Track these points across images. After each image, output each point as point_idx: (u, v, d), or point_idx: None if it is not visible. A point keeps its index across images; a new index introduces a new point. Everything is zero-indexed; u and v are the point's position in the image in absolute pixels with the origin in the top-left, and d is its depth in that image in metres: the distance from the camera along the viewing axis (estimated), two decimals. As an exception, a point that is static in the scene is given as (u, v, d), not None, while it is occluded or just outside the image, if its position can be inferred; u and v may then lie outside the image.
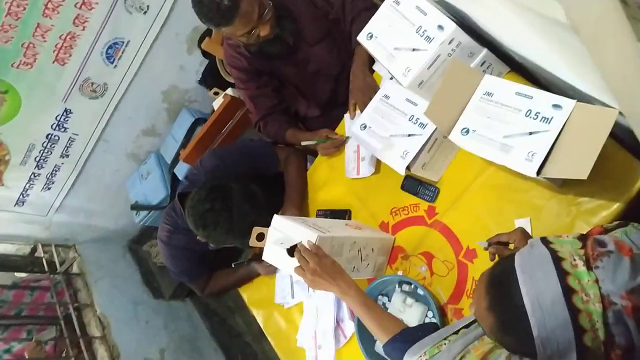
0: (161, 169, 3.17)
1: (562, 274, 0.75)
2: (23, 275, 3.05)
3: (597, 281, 0.74)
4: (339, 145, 1.80)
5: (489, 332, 0.85)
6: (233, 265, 1.85)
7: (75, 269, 3.19)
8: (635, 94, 0.60)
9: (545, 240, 0.82)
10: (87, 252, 3.32)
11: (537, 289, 0.76)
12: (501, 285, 0.81)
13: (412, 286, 1.50)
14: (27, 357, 2.57)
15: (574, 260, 0.76)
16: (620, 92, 0.59)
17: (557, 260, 0.77)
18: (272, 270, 1.85)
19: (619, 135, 1.16)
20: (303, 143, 1.85)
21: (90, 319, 2.88)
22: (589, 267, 0.75)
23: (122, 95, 2.89)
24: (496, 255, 1.23)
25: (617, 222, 0.96)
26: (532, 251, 0.81)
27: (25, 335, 2.71)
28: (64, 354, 2.67)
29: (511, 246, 1.20)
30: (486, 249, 1.23)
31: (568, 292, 0.74)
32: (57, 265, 3.13)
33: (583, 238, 0.81)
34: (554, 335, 0.74)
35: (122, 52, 2.69)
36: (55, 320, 2.77)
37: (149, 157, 3.32)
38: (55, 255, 3.17)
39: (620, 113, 0.97)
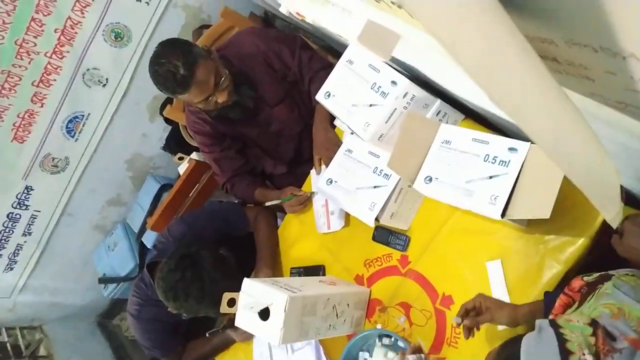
0: (128, 238, 3.10)
1: None
2: (-15, 363, 2.89)
3: None
4: (304, 201, 1.80)
5: None
6: (207, 334, 1.79)
7: (42, 351, 3.05)
8: (571, 157, 0.59)
9: (554, 324, 0.79)
10: (54, 332, 3.20)
11: None
12: None
13: (393, 339, 1.47)
14: None
15: (583, 354, 0.73)
16: (555, 155, 0.57)
17: (565, 353, 0.73)
18: (248, 336, 1.79)
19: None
20: (267, 204, 1.84)
21: (59, 405, 2.73)
22: None
23: (85, 168, 2.85)
24: (473, 330, 1.17)
25: (598, 274, 0.94)
26: (540, 339, 0.77)
27: None
28: None
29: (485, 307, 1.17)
30: (459, 324, 1.18)
31: None
32: (23, 349, 2.99)
33: (594, 324, 0.78)
34: None
35: (83, 125, 2.68)
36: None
37: (116, 227, 3.24)
38: (20, 338, 3.02)
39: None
